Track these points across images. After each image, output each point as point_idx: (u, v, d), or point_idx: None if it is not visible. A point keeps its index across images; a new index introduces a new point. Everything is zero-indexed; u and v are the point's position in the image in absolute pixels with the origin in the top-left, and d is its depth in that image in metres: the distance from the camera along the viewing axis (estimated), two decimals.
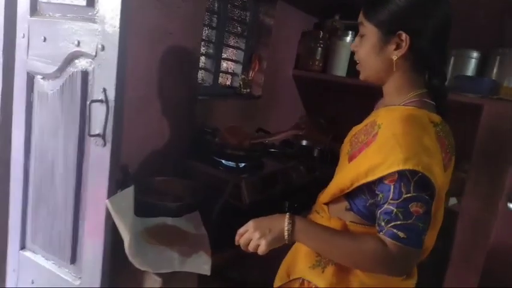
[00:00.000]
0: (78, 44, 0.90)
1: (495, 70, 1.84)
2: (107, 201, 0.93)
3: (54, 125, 0.98)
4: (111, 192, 0.93)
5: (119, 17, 0.83)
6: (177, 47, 1.43)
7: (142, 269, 0.97)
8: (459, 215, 1.71)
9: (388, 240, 0.80)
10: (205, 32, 1.78)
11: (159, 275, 0.98)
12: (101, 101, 0.88)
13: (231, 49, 1.97)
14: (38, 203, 1.07)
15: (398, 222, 0.79)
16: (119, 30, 0.84)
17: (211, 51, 1.81)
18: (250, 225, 0.91)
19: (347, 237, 0.88)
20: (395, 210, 0.80)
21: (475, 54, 1.87)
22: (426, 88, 0.96)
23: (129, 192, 0.99)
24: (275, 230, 0.87)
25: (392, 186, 0.81)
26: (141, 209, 1.20)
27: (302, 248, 1.00)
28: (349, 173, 0.92)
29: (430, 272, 1.92)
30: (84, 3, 0.88)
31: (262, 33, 1.98)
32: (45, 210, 1.05)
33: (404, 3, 0.88)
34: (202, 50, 1.79)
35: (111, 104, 0.87)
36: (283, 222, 0.87)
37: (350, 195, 0.95)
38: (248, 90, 1.96)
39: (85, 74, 0.91)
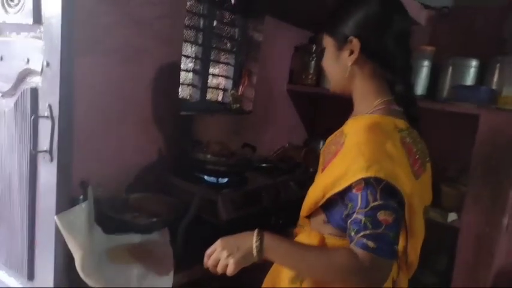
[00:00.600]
0: (28, 62, 0.92)
1: (495, 78, 1.74)
2: (55, 217, 0.91)
3: (10, 141, 0.99)
4: (62, 208, 0.92)
5: (59, 32, 0.84)
6: (153, 64, 1.44)
7: (97, 286, 0.94)
8: (460, 231, 1.60)
9: (359, 250, 0.78)
10: (192, 48, 1.80)
11: None
12: (46, 117, 0.88)
13: (222, 65, 1.97)
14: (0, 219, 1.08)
15: (368, 232, 0.77)
16: (60, 46, 0.84)
17: (198, 67, 1.81)
18: (217, 244, 0.87)
19: (317, 252, 0.85)
20: (363, 219, 0.78)
21: (474, 63, 1.79)
22: (391, 95, 0.94)
23: (82, 208, 0.98)
24: (243, 248, 0.83)
25: (359, 195, 0.80)
26: (112, 225, 1.19)
27: None
28: (320, 184, 0.91)
29: None
30: (31, 21, 0.89)
31: (252, 49, 1.98)
32: (4, 226, 1.06)
33: (355, 12, 0.91)
34: (190, 66, 1.80)
35: (56, 120, 0.87)
36: (251, 240, 0.83)
37: (327, 207, 0.92)
38: (238, 105, 1.94)
39: (34, 91, 0.92)
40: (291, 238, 1.13)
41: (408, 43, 0.93)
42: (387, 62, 0.91)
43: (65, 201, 0.93)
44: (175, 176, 1.49)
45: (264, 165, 1.79)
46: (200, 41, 1.78)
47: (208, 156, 1.54)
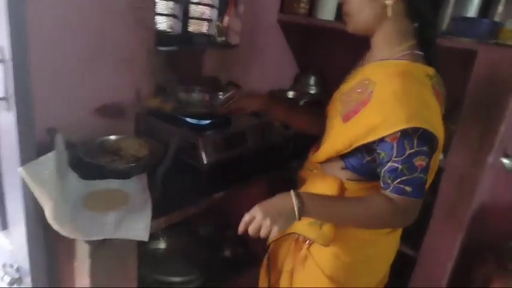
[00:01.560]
0: None
1: (500, 9, 1.61)
2: (19, 169, 0.87)
3: None
4: (27, 158, 0.88)
5: None
6: None
7: (71, 236, 0.93)
8: (444, 171, 1.59)
9: (395, 196, 0.85)
10: None
11: (89, 242, 0.94)
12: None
13: None
14: None
15: (404, 178, 0.83)
16: None
17: None
18: (257, 211, 0.85)
19: (355, 203, 0.90)
20: (400, 166, 0.83)
21: None
22: (415, 38, 0.92)
23: (49, 157, 0.93)
24: (285, 213, 0.84)
25: (395, 144, 0.83)
26: (88, 171, 1.15)
27: None
28: (347, 133, 0.91)
29: (414, 225, 1.87)
30: None
31: None
32: None
33: None
34: None
35: (9, 63, 0.79)
36: (291, 203, 0.84)
37: (346, 154, 0.95)
38: (223, 38, 1.81)
39: None
40: (299, 181, 1.14)
41: None
42: (423, 2, 0.88)
43: (31, 151, 0.89)
44: (154, 117, 1.43)
45: None
46: None
47: (191, 95, 1.47)
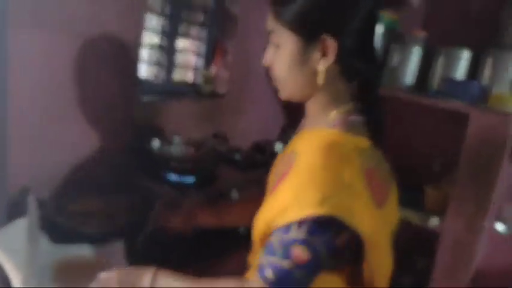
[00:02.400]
0: None
1: (487, 73, 1.62)
2: None
3: None
4: None
5: None
6: (108, 40, 1.22)
7: None
8: (440, 236, 1.53)
9: (256, 281, 0.68)
10: (158, 21, 1.56)
11: None
12: None
13: (191, 40, 1.74)
14: None
15: (274, 260, 0.66)
16: None
17: (164, 42, 1.58)
18: (112, 276, 0.78)
19: (207, 283, 0.77)
20: (276, 244, 0.67)
21: (466, 55, 1.66)
22: (353, 100, 0.79)
23: (21, 223, 0.81)
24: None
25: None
26: (59, 233, 1.02)
27: None
28: (263, 215, 0.75)
29: None
30: None
31: (227, 22, 1.75)
32: None
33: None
34: (154, 41, 1.57)
35: None
36: (147, 280, 0.76)
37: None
38: (210, 87, 1.74)
39: None
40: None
41: (374, 32, 0.79)
42: (359, 62, 0.75)
43: (1, 214, 0.75)
44: (134, 173, 1.31)
45: (236, 157, 1.62)
46: (167, 12, 1.55)
47: (173, 150, 1.36)
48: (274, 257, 0.66)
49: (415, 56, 1.74)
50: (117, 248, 1.06)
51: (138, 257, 1.03)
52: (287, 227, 0.66)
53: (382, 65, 0.81)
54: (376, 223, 0.70)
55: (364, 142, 0.76)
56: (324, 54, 0.72)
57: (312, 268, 0.67)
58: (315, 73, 0.74)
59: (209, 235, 1.22)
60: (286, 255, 0.65)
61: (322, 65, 0.73)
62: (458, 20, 1.79)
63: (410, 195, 1.65)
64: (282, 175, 0.74)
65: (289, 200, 0.68)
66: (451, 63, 1.68)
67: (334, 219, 0.65)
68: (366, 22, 0.74)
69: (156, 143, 1.36)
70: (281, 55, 0.75)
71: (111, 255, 1.03)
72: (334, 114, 0.77)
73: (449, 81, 1.61)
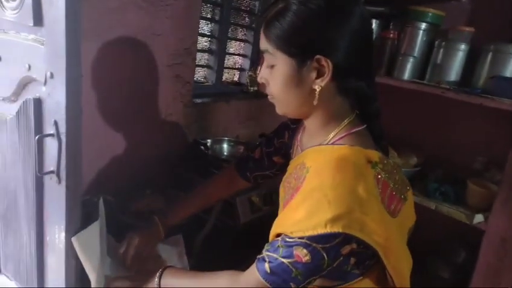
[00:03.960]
0: (29, 68, 0.79)
1: None
2: (72, 239, 0.85)
3: (13, 153, 0.90)
4: (72, 230, 0.85)
5: (64, 39, 0.71)
6: (167, 49, 1.31)
7: None
8: (485, 234, 1.53)
9: (253, 269, 0.73)
10: (208, 26, 1.64)
11: None
12: (51, 135, 0.78)
13: (238, 42, 1.81)
14: (6, 231, 1.00)
15: (275, 255, 0.70)
16: (65, 56, 0.72)
17: (214, 47, 1.66)
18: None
19: (206, 278, 0.84)
20: (281, 243, 0.70)
21: None
22: (353, 111, 0.79)
23: (95, 227, 0.91)
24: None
25: None
26: (123, 232, 1.12)
27: None
28: (277, 226, 0.76)
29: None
30: (31, 22, 0.76)
31: None
32: (12, 240, 0.99)
33: (313, 16, 0.70)
34: (205, 46, 1.66)
35: (63, 138, 0.77)
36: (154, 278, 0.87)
37: None
38: (256, 88, 1.81)
39: (38, 102, 0.80)
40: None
41: (371, 41, 0.79)
42: (356, 76, 0.75)
43: (76, 221, 0.86)
44: (190, 172, 1.40)
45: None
46: (217, 17, 1.62)
47: (224, 151, 1.45)
48: (275, 254, 0.70)
49: (460, 52, 1.73)
50: (177, 242, 1.14)
51: (197, 253, 1.12)
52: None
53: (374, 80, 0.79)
54: (389, 231, 0.71)
55: (374, 154, 0.75)
56: (320, 74, 0.72)
57: (310, 270, 0.69)
58: (310, 92, 0.74)
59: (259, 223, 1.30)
60: (288, 254, 0.68)
61: (318, 85, 0.72)
62: (506, 16, 1.74)
63: (454, 190, 1.67)
64: (294, 189, 0.76)
65: (302, 215, 0.69)
66: (500, 59, 1.65)
67: (343, 234, 0.66)
68: (358, 38, 0.72)
69: (208, 143, 1.44)
70: (276, 75, 0.74)
71: (173, 249, 1.12)
72: (337, 130, 0.77)
73: (498, 79, 1.58)
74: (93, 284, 0.88)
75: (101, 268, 0.90)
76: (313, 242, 0.67)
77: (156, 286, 0.86)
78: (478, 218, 1.58)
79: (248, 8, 1.78)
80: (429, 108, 1.91)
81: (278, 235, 0.73)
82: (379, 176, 0.72)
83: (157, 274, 0.87)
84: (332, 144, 0.77)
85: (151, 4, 1.20)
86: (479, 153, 1.81)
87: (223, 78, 1.77)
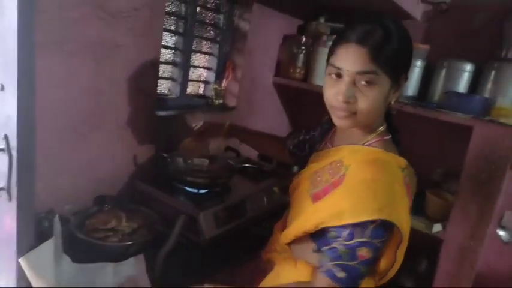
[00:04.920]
0: None
1: (489, 86, 1.68)
2: (20, 260, 0.80)
3: None
4: (24, 248, 0.80)
5: (16, 51, 0.68)
6: (129, 60, 1.28)
7: None
8: (444, 243, 1.58)
9: (324, 279, 0.81)
10: (172, 38, 1.62)
11: None
12: (1, 150, 0.73)
13: (203, 55, 1.81)
14: None
15: (341, 262, 0.80)
16: (17, 66, 0.69)
17: (178, 59, 1.65)
18: None
19: None
20: (342, 249, 0.80)
21: (468, 67, 1.72)
22: (385, 123, 0.93)
23: (48, 245, 0.86)
24: None
25: (346, 230, 0.80)
26: (81, 250, 1.06)
27: None
28: (315, 214, 0.87)
29: None
30: None
31: (237, 39, 1.82)
32: None
33: (409, 44, 0.86)
34: (169, 58, 1.64)
35: (14, 153, 0.73)
36: None
37: (316, 235, 0.89)
38: (221, 101, 1.81)
39: None
40: (261, 265, 1.08)
41: None
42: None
43: (28, 241, 0.81)
44: (152, 187, 1.36)
45: (246, 165, 1.68)
46: (181, 30, 1.61)
47: (188, 164, 1.42)
48: (341, 261, 0.80)
49: (417, 68, 1.81)
50: (138, 263, 1.10)
51: (159, 271, 1.08)
52: (350, 234, 0.79)
53: None
54: (409, 225, 0.86)
55: (403, 161, 0.88)
56: (398, 89, 0.87)
57: (373, 262, 0.83)
58: (386, 105, 0.88)
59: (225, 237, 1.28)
60: (353, 257, 0.79)
61: (395, 98, 0.87)
62: (460, 33, 1.85)
63: (414, 201, 1.72)
64: (332, 184, 0.86)
65: (347, 206, 0.80)
66: (453, 75, 1.74)
67: (388, 223, 0.78)
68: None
69: (171, 157, 1.42)
70: (374, 93, 0.82)
71: (133, 270, 1.07)
72: (373, 135, 0.90)
73: (452, 95, 1.67)
74: None
75: (57, 285, 0.85)
76: (373, 239, 0.79)
77: None
78: (437, 227, 1.64)
79: (213, 22, 1.78)
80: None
81: (321, 229, 0.85)
82: (406, 179, 0.85)
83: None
84: (368, 145, 0.89)
85: (112, 15, 1.17)
86: (438, 165, 1.89)
87: (188, 91, 1.75)
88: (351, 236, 0.79)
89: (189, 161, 1.47)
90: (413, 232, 1.65)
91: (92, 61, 1.16)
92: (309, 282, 0.86)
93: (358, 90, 0.82)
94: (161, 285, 1.01)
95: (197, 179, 1.37)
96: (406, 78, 0.87)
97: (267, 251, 1.09)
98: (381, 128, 0.91)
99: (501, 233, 1.69)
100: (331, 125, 1.04)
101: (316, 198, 0.89)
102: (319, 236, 0.88)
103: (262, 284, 0.98)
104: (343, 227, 0.80)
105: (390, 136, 0.92)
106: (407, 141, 1.88)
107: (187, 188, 1.37)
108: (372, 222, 0.78)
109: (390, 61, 0.81)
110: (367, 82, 0.81)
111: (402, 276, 1.89)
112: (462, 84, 1.74)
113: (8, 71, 0.70)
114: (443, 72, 1.77)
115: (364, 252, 0.79)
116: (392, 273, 0.94)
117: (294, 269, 0.93)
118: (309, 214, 0.89)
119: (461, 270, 1.56)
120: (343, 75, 0.83)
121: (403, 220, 0.81)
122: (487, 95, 1.67)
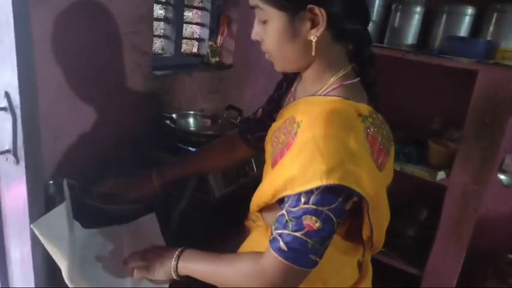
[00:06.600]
0: None
1: (491, 29, 1.65)
2: (32, 226, 0.76)
3: None
4: (37, 214, 0.76)
5: (10, 5, 0.61)
6: (120, 16, 1.20)
7: None
8: (447, 189, 1.60)
9: (270, 254, 0.71)
10: None
11: None
12: (4, 109, 0.68)
13: (195, 11, 1.72)
14: None
15: (286, 232, 0.69)
16: (13, 17, 0.62)
17: (170, 15, 1.56)
18: (145, 255, 0.88)
19: (226, 262, 0.81)
20: (287, 218, 0.69)
21: (469, 11, 1.67)
22: (350, 61, 0.80)
23: (61, 210, 0.82)
24: (165, 268, 0.85)
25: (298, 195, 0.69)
26: (90, 216, 1.04)
27: None
28: (270, 183, 0.77)
29: (417, 244, 1.87)
30: None
31: None
32: None
33: None
34: (160, 14, 1.55)
35: (17, 111, 0.68)
36: (171, 262, 0.84)
37: (283, 201, 0.77)
38: (217, 59, 1.74)
39: None
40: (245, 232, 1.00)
41: None
42: (351, 25, 0.74)
43: (40, 206, 0.77)
44: (155, 149, 1.32)
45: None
46: None
47: (191, 125, 1.38)
48: (286, 230, 0.69)
49: (416, 15, 1.76)
50: (150, 222, 1.07)
51: (175, 229, 1.07)
52: (296, 200, 0.68)
53: (368, 22, 0.79)
54: (378, 185, 0.73)
55: (365, 108, 0.76)
56: (314, 24, 0.71)
57: (324, 235, 0.69)
58: (307, 44, 0.73)
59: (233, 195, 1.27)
60: (299, 226, 0.68)
61: (314, 35, 0.71)
62: None
63: (417, 151, 1.73)
64: (286, 145, 0.74)
65: (296, 171, 0.69)
66: (454, 21, 1.70)
67: (341, 187, 0.66)
68: None
69: (172, 117, 1.37)
70: (269, 31, 0.74)
71: (148, 229, 1.06)
72: (332, 80, 0.77)
73: (453, 39, 1.63)
74: (64, 272, 0.80)
75: (71, 254, 0.82)
76: (319, 206, 0.67)
77: (173, 269, 0.83)
78: (441, 175, 1.65)
79: None
80: (386, 72, 1.94)
81: (280, 199, 0.74)
82: (369, 130, 0.73)
83: (175, 256, 0.84)
84: (325, 95, 0.76)
85: None
86: (436, 114, 1.88)
87: (182, 49, 1.68)
88: (297, 203, 0.69)
89: (191, 121, 1.43)
90: (417, 182, 1.69)
91: (86, 15, 1.09)
92: (262, 255, 0.75)
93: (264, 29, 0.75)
94: (177, 244, 0.99)
95: (200, 139, 1.34)
96: (324, 13, 0.70)
97: (247, 220, 0.99)
98: (340, 72, 0.77)
99: (502, 176, 1.71)
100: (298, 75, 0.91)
101: (274, 163, 0.78)
102: (283, 202, 0.77)
103: (238, 251, 0.92)
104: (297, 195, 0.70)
105: (357, 79, 0.79)
106: (404, 93, 1.90)
107: (190, 149, 1.34)
108: (317, 188, 0.66)
109: None
110: (261, 19, 0.74)
111: (404, 225, 1.92)
112: (463, 29, 1.69)
113: (5, 25, 0.64)
114: (444, 17, 1.73)
115: (311, 222, 0.67)
116: (377, 241, 0.84)
117: (264, 236, 0.83)
118: (266, 183, 0.80)
119: (465, 214, 1.59)
120: None
121: (361, 182, 0.68)
122: (489, 38, 1.64)
